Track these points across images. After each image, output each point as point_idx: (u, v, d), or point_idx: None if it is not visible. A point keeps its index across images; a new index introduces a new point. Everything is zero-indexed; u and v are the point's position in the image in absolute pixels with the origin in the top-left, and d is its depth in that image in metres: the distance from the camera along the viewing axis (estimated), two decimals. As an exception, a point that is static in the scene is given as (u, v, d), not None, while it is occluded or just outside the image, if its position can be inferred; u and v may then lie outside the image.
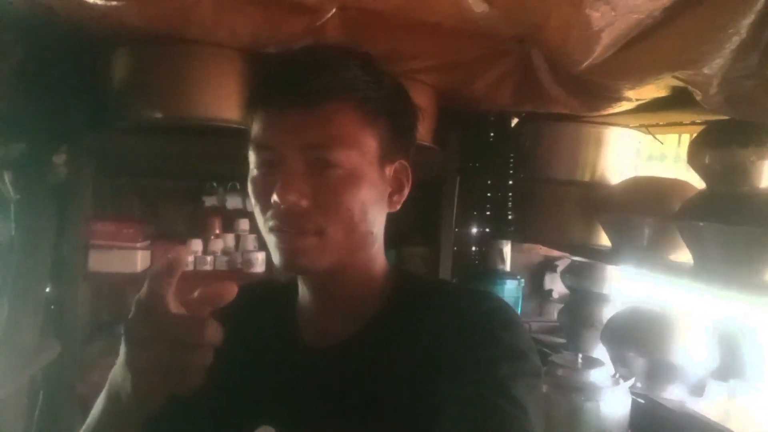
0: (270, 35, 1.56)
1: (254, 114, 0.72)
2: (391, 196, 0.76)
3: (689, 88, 1.14)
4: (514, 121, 2.17)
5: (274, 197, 0.67)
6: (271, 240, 0.71)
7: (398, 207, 0.78)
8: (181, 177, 1.99)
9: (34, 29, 1.54)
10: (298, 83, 0.67)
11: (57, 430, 1.66)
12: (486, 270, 2.18)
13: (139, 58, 1.65)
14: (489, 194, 2.16)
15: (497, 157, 2.14)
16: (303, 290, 0.79)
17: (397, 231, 2.11)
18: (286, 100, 0.68)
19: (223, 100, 1.67)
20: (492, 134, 2.10)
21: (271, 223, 0.69)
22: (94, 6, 1.34)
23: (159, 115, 1.63)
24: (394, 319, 0.75)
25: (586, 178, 1.93)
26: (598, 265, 2.05)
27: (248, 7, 1.39)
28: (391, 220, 2.26)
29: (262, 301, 0.85)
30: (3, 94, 1.65)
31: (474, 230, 2.21)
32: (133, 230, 1.81)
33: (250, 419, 0.74)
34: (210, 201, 2.00)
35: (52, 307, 1.77)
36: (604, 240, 1.89)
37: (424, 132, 1.81)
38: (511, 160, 2.13)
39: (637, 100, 1.46)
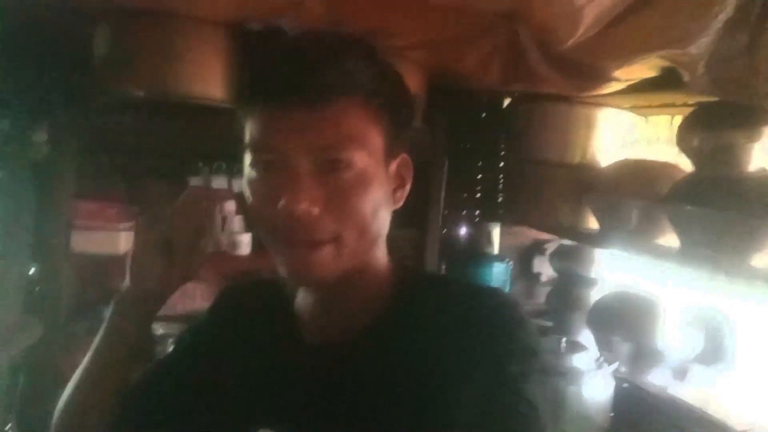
0: (253, 8, 1.52)
1: (251, 111, 0.66)
2: (394, 192, 0.72)
3: (677, 68, 1.11)
4: (506, 102, 2.14)
5: (283, 205, 0.62)
6: (279, 252, 0.67)
7: (401, 203, 0.74)
8: (166, 156, 1.96)
9: (13, 4, 1.51)
10: (302, 79, 0.62)
11: (38, 411, 1.65)
12: (474, 252, 2.17)
13: (120, 33, 1.60)
14: (478, 176, 2.14)
15: (487, 137, 2.11)
16: (303, 290, 0.77)
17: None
18: (290, 97, 0.62)
19: (207, 77, 1.63)
20: (482, 114, 2.07)
21: (278, 234, 0.65)
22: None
23: (140, 92, 1.59)
24: (400, 315, 0.72)
25: (576, 160, 1.90)
26: (587, 248, 2.03)
27: (229, -20, 1.36)
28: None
29: (257, 303, 0.83)
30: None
31: (462, 212, 2.19)
32: (116, 210, 1.79)
33: (250, 422, 0.72)
34: (195, 181, 1.96)
35: (37, 288, 1.75)
36: (592, 223, 1.87)
37: (411, 112, 1.79)
38: (502, 142, 2.10)
39: (626, 80, 1.43)
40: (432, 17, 1.40)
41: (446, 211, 2.17)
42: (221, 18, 1.59)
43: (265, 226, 0.67)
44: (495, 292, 0.73)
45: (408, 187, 0.75)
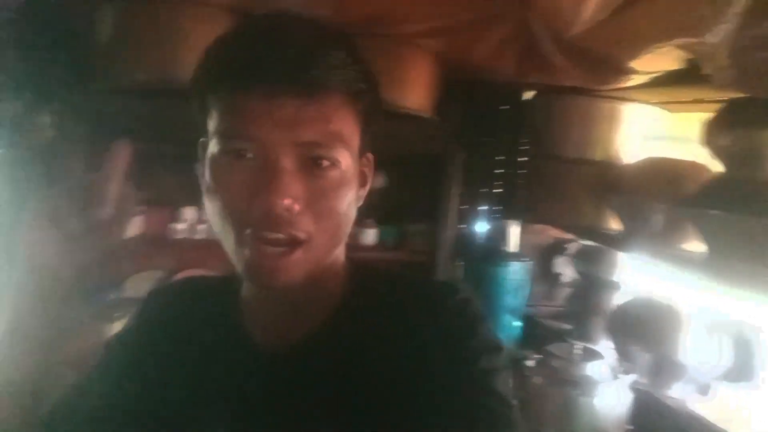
0: (255, -6, 1.48)
1: (228, 95, 0.60)
2: (358, 191, 0.69)
3: (698, 61, 1.00)
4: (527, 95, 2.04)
5: (263, 200, 0.57)
6: (244, 247, 0.60)
7: (362, 202, 0.71)
8: (172, 142, 1.93)
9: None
10: (297, 68, 0.57)
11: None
12: (492, 250, 2.07)
13: (126, 18, 1.59)
14: (498, 171, 2.04)
15: (508, 131, 2.02)
16: (252, 288, 0.72)
17: (397, 206, 2.05)
18: (279, 86, 0.57)
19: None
20: (503, 107, 1.98)
21: (248, 229, 0.59)
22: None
23: (144, 76, 1.57)
24: (356, 314, 0.69)
25: (599, 156, 1.79)
26: (610, 250, 1.92)
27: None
28: (392, 195, 2.15)
29: (193, 304, 0.77)
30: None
31: (481, 208, 2.10)
32: (121, 195, 1.77)
33: (200, 429, 0.68)
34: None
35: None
36: (615, 224, 1.76)
37: (423, 101, 1.71)
38: (522, 136, 2.01)
39: (647, 73, 1.32)
40: (440, 3, 1.33)
41: (464, 207, 2.09)
42: (226, 3, 1.55)
43: (232, 219, 0.61)
44: (454, 288, 0.70)
45: (369, 186, 0.71)
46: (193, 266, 2.07)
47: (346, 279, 0.72)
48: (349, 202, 0.64)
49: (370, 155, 0.71)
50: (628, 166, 1.72)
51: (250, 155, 0.59)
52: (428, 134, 1.76)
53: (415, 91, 1.67)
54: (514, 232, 2.11)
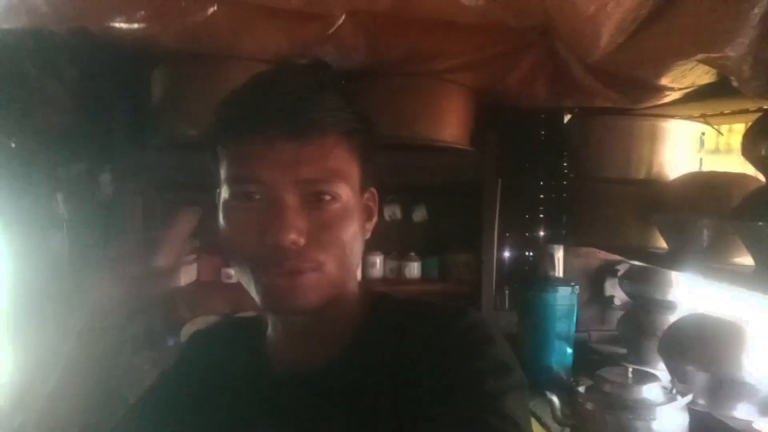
0: (292, 44, 1.56)
1: (233, 143, 0.67)
2: (364, 224, 0.74)
3: (725, 73, 1.01)
4: (566, 119, 2.05)
5: (271, 237, 0.63)
6: (260, 280, 0.67)
7: (369, 235, 0.76)
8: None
9: (80, 52, 1.63)
10: (292, 113, 0.64)
11: None
12: (537, 276, 2.06)
13: (178, 76, 1.69)
14: (538, 196, 2.05)
15: (545, 156, 2.03)
16: (275, 324, 0.77)
17: (439, 237, 2.07)
18: (279, 131, 0.64)
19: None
20: (538, 132, 2.00)
21: (261, 264, 0.66)
22: (121, 29, 1.40)
23: (196, 131, 1.66)
24: (370, 342, 0.72)
25: (641, 175, 1.78)
26: (660, 269, 1.88)
27: (262, 19, 1.39)
28: (434, 227, 2.18)
29: (226, 342, 0.84)
30: (58, 115, 1.75)
31: (524, 234, 2.10)
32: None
33: None
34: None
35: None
36: (662, 242, 1.73)
37: (459, 134, 1.75)
38: (563, 159, 2.01)
39: (681, 89, 1.32)
40: (466, 38, 1.38)
41: (507, 234, 2.10)
42: (266, 56, 1.63)
43: (245, 256, 0.67)
44: (463, 311, 0.72)
45: (375, 219, 0.77)
46: (246, 309, 2.14)
47: (362, 307, 0.76)
48: (353, 233, 0.69)
49: (373, 190, 0.76)
50: (672, 182, 1.70)
51: (257, 197, 0.65)
52: (466, 165, 1.79)
53: (450, 124, 1.71)
54: (559, 257, 2.10)
